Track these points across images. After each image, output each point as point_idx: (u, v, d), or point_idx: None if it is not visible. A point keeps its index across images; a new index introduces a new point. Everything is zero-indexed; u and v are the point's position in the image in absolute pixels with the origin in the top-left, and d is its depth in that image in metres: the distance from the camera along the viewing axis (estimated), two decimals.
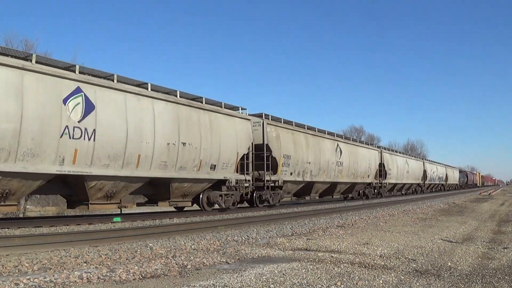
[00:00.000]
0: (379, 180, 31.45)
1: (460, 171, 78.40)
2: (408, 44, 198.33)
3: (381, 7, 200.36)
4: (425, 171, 44.96)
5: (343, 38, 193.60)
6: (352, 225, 11.70)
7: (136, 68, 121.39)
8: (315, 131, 22.68)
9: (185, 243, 8.05)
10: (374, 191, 31.05)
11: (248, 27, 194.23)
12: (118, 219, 12.41)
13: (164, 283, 4.96)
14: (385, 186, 32.61)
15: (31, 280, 4.82)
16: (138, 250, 7.23)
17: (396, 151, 40.54)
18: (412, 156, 45.69)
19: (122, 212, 14.29)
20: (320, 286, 4.81)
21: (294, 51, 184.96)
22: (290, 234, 9.80)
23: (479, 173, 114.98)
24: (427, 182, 46.34)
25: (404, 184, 38.69)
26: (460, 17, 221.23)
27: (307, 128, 21.90)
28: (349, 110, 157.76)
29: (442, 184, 56.69)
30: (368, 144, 32.27)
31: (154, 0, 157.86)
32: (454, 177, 66.18)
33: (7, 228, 9.87)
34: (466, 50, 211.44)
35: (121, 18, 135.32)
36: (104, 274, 5.23)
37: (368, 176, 29.01)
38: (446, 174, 58.79)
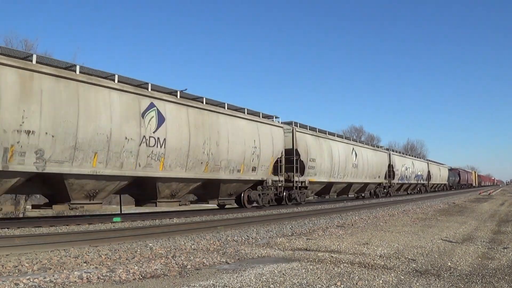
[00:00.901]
0: (288, 177, 19.61)
1: (451, 169, 68.07)
2: (408, 45, 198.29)
3: (381, 8, 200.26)
4: (391, 167, 33.61)
5: (343, 39, 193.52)
6: (352, 225, 11.70)
7: (136, 69, 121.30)
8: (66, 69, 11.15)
9: (185, 243, 8.05)
10: (277, 194, 19.08)
11: (248, 28, 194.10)
12: (118, 219, 12.41)
13: (164, 283, 4.96)
14: (301, 187, 20.44)
15: (31, 280, 4.82)
16: (138, 250, 7.24)
17: (335, 134, 25.90)
18: (367, 144, 31.87)
19: (122, 212, 14.29)
20: (320, 286, 4.81)
21: (295, 52, 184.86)
22: (290, 234, 9.80)
23: (475, 172, 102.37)
24: (395, 181, 34.63)
25: (351, 184, 26.63)
26: (459, 18, 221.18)
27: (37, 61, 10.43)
28: (349, 110, 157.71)
29: (423, 184, 45.63)
30: (260, 116, 18.12)
31: (155, 0, 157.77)
32: (441, 176, 54.92)
33: (7, 228, 9.87)
34: (466, 51, 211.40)
35: (122, 18, 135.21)
36: (104, 274, 5.23)
37: (254, 169, 17.03)
38: (429, 172, 47.70)
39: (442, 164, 60.26)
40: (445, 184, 58.52)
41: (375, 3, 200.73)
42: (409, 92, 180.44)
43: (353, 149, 26.74)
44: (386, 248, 7.50)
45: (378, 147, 34.57)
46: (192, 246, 7.77)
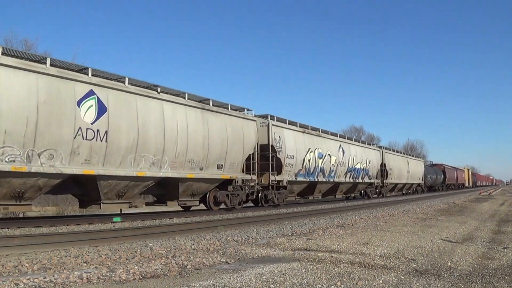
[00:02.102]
0: None
1: (433, 165, 56.86)
2: (408, 45, 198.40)
3: (381, 9, 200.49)
4: (274, 150, 17.95)
5: (343, 39, 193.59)
6: (352, 225, 11.70)
7: (136, 68, 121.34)
8: None
9: (185, 243, 8.05)
10: None
11: (248, 28, 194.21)
12: (118, 219, 12.41)
13: (164, 283, 4.96)
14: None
15: (31, 280, 4.82)
16: (138, 250, 7.24)
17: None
18: (176, 95, 14.11)
19: (122, 212, 14.30)
20: (320, 286, 4.81)
21: (295, 52, 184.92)
22: (290, 234, 9.80)
23: (468, 170, 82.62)
24: (285, 178, 18.79)
25: (135, 179, 12.38)
26: (459, 19, 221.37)
27: None
28: (349, 110, 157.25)
29: (371, 184, 29.60)
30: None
31: (155, 1, 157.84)
32: (410, 173, 38.53)
33: (7, 228, 9.87)
34: (466, 50, 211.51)
35: (122, 18, 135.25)
36: (104, 274, 5.23)
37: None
38: (384, 165, 31.51)
39: (414, 157, 44.54)
40: (419, 184, 42.96)
41: (375, 4, 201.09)
42: (409, 92, 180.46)
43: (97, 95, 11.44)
44: (386, 248, 7.50)
45: (228, 109, 16.22)
46: (192, 246, 7.77)
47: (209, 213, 15.17)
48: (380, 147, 34.19)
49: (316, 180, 21.89)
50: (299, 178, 20.32)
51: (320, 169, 22.08)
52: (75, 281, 4.93)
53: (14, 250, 6.81)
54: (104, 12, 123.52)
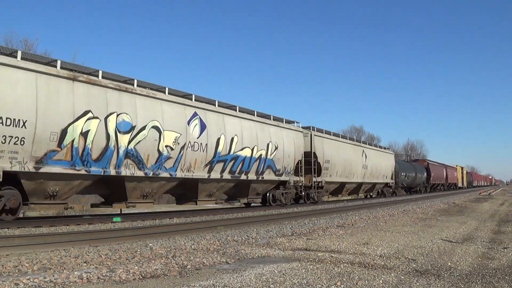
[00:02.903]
0: None
1: (414, 161, 50.18)
2: (408, 45, 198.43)
3: (381, 9, 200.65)
4: None
5: (344, 39, 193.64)
6: (352, 225, 11.70)
7: (136, 68, 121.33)
8: None
9: (185, 243, 8.05)
10: None
11: (249, 28, 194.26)
12: (118, 219, 12.41)
13: (164, 283, 4.96)
14: None
15: (31, 280, 4.81)
16: (138, 250, 7.23)
17: None
18: None
19: (122, 212, 14.29)
20: (320, 286, 4.81)
21: (295, 52, 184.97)
22: (290, 234, 9.80)
23: (461, 168, 70.95)
24: None
25: None
26: (459, 20, 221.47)
27: None
28: (349, 110, 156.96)
29: (284, 183, 19.03)
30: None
31: (155, 1, 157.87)
32: (372, 169, 28.94)
33: (7, 228, 9.87)
34: (466, 50, 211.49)
35: (122, 17, 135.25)
36: (104, 274, 5.23)
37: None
38: (313, 156, 21.19)
39: (377, 147, 33.05)
40: (386, 185, 33.00)
41: (375, 5, 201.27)
42: (409, 92, 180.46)
43: None
44: (386, 248, 7.50)
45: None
46: (192, 246, 7.77)
47: (209, 213, 15.18)
48: (307, 127, 22.08)
49: (116, 172, 12.04)
50: (54, 168, 10.70)
51: (127, 152, 12.23)
52: (75, 281, 4.93)
53: (14, 250, 6.80)
54: (104, 12, 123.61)
